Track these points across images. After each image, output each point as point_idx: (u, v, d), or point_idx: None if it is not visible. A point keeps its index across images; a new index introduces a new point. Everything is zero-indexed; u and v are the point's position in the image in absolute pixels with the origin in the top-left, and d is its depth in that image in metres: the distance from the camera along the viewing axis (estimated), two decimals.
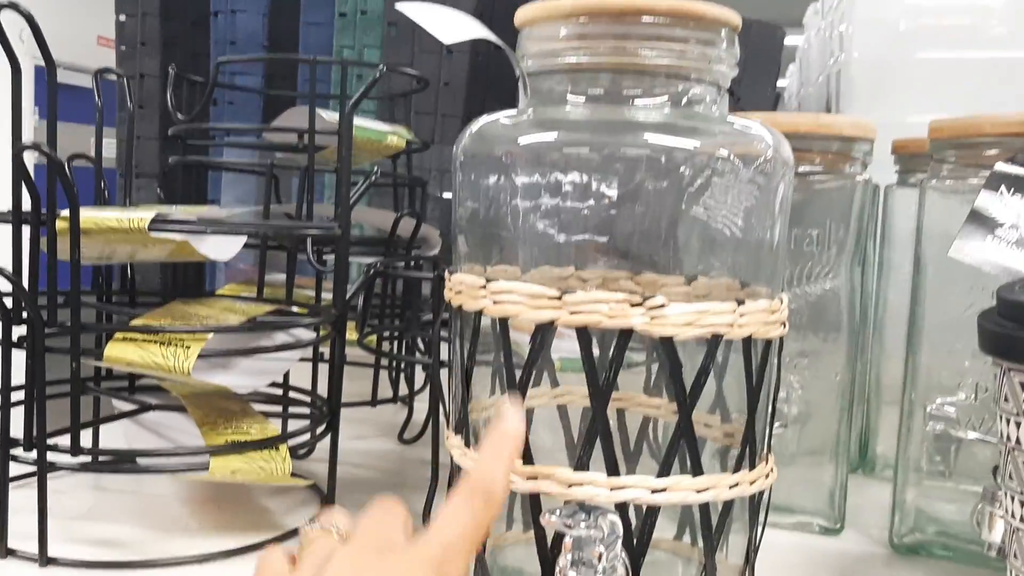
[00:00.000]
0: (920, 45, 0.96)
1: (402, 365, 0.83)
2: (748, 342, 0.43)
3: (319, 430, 0.61)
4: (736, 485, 0.43)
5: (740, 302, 0.42)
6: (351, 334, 0.68)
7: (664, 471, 0.42)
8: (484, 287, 0.43)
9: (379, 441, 0.80)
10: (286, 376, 0.70)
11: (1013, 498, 0.44)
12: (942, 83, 0.95)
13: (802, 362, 0.65)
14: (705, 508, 0.43)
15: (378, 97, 0.99)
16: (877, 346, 0.80)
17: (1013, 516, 0.44)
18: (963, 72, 0.95)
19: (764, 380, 0.44)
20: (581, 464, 0.41)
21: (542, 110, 0.46)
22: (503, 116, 0.46)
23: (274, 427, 0.59)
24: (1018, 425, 0.43)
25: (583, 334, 0.41)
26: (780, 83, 1.42)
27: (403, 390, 0.83)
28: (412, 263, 0.74)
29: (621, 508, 0.41)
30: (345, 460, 0.67)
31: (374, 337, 0.75)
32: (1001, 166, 0.57)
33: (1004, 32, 0.96)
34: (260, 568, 0.36)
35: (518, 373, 0.43)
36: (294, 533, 0.57)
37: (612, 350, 0.41)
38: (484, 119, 0.46)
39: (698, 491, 0.42)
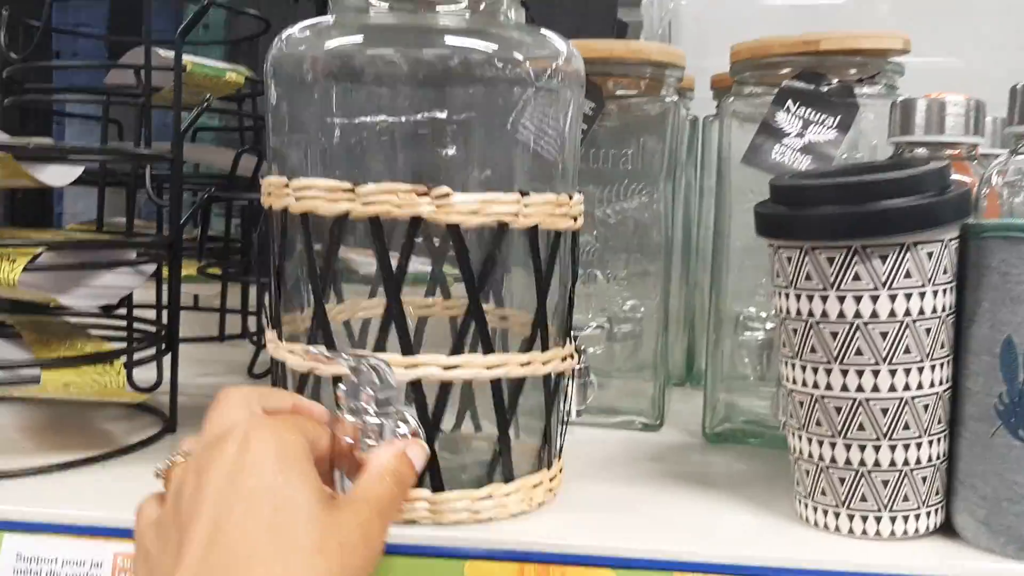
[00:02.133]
0: None
1: (248, 299, 0.85)
2: (534, 232, 0.46)
3: (152, 351, 0.62)
4: (527, 364, 0.47)
5: (524, 193, 0.45)
6: (190, 269, 0.69)
7: (456, 350, 0.45)
8: (287, 185, 0.46)
9: (228, 377, 0.81)
10: (129, 307, 0.70)
11: (785, 363, 0.49)
12: (763, 28, 1.01)
13: (624, 279, 0.70)
14: (498, 386, 0.47)
15: (224, 42, 0.99)
16: (702, 271, 0.85)
17: (786, 379, 0.49)
18: (782, 17, 1.01)
19: (555, 269, 0.48)
20: (379, 347, 0.45)
21: (347, 16, 0.48)
22: (311, 23, 0.49)
23: (110, 345, 0.60)
24: (786, 296, 0.48)
25: (375, 226, 0.44)
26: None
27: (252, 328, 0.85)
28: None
29: (415, 385, 0.45)
30: (192, 393, 0.68)
31: (218, 270, 0.76)
32: (787, 82, 0.62)
33: None
34: (136, 518, 0.38)
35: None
36: (135, 448, 0.58)
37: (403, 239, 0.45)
38: (293, 27, 0.49)
39: (488, 367, 0.46)
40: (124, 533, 0.46)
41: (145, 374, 0.60)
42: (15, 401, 0.67)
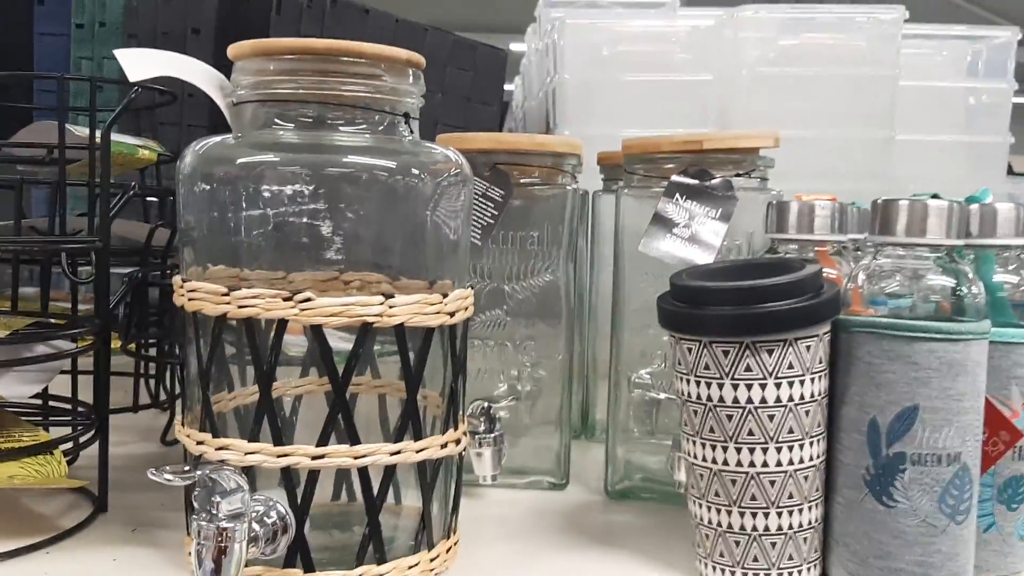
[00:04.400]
0: (620, 68, 1.11)
1: (164, 369, 0.86)
2: (401, 330, 0.51)
3: (88, 436, 0.64)
4: (398, 452, 0.52)
5: (388, 296, 0.51)
6: (114, 343, 0.71)
7: (322, 441, 0.50)
8: (182, 286, 0.51)
9: (142, 445, 0.83)
10: (46, 388, 0.72)
11: (686, 439, 0.56)
12: (639, 101, 1.10)
13: (531, 345, 0.76)
14: (365, 472, 0.52)
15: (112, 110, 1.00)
16: (594, 329, 0.92)
17: (687, 454, 0.56)
18: (655, 92, 1.10)
19: (427, 362, 0.53)
20: (252, 436, 0.50)
21: (256, 134, 0.53)
22: (221, 138, 0.53)
23: (46, 434, 0.62)
24: (687, 382, 0.55)
25: (248, 326, 0.50)
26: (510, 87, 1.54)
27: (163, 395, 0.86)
28: (169, 271, 0.78)
29: (286, 472, 0.50)
30: (111, 464, 0.70)
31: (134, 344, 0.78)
32: (675, 178, 0.70)
33: (687, 58, 1.13)
34: None
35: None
36: (74, 532, 0.60)
37: (271, 339, 0.50)
38: (204, 140, 0.53)
39: (355, 457, 0.51)
40: None
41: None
42: None
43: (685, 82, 1.11)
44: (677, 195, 0.69)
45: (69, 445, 0.61)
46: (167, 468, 0.46)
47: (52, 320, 0.70)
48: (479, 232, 0.71)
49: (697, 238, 0.68)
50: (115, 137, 0.79)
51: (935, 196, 0.54)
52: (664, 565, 0.58)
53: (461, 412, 0.58)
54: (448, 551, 0.57)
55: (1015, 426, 0.56)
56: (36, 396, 0.71)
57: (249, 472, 0.50)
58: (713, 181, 0.69)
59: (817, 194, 0.63)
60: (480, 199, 0.72)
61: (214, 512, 0.46)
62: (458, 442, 0.56)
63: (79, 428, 0.63)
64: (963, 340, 0.52)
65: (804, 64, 1.10)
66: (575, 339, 0.79)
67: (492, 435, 0.71)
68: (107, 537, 0.60)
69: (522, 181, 0.74)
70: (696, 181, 0.69)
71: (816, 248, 0.62)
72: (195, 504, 0.47)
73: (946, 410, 0.52)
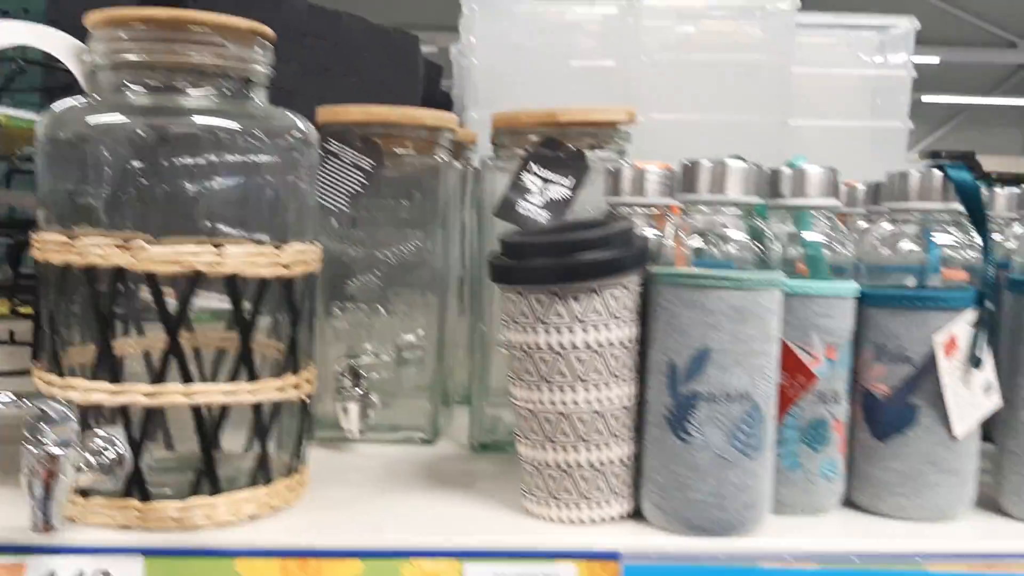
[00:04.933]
0: (527, 55, 1.15)
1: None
2: (232, 280, 0.55)
3: None
4: (232, 392, 0.56)
5: (219, 245, 0.55)
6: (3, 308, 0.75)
7: (157, 380, 0.55)
8: (36, 239, 0.55)
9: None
10: None
11: (511, 382, 0.60)
12: (545, 87, 1.14)
13: (404, 309, 0.80)
14: (199, 412, 0.56)
15: (38, 89, 1.04)
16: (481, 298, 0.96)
17: (512, 396, 0.60)
18: (561, 77, 1.15)
19: (261, 311, 0.57)
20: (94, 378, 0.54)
21: (107, 97, 0.57)
22: (75, 100, 0.57)
23: None
24: (509, 329, 0.59)
25: (89, 274, 0.54)
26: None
27: None
28: None
29: (123, 410, 0.54)
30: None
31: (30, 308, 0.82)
32: (531, 148, 0.74)
33: (593, 45, 1.17)
34: None
35: None
36: None
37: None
38: (60, 103, 0.57)
39: (186, 395, 0.55)
40: None
41: None
42: None
43: (590, 68, 1.15)
44: (532, 164, 0.74)
45: None
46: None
47: None
48: (347, 199, 0.75)
49: (550, 205, 0.73)
50: (15, 113, 0.84)
51: (737, 157, 0.59)
52: (497, 502, 0.63)
53: (303, 361, 0.61)
54: (289, 489, 0.61)
55: (813, 371, 0.60)
56: None
57: (99, 412, 0.54)
58: (566, 151, 0.74)
59: (656, 161, 0.68)
60: (350, 168, 0.76)
61: (43, 440, 0.50)
62: (297, 387, 0.60)
63: None
64: (751, 288, 0.56)
65: (701, 51, 1.15)
66: (447, 307, 0.82)
67: (358, 391, 0.75)
68: None
69: (397, 152, 0.79)
70: (550, 151, 0.74)
71: (653, 210, 0.66)
72: (25, 433, 0.51)
73: (735, 352, 0.56)
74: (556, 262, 0.57)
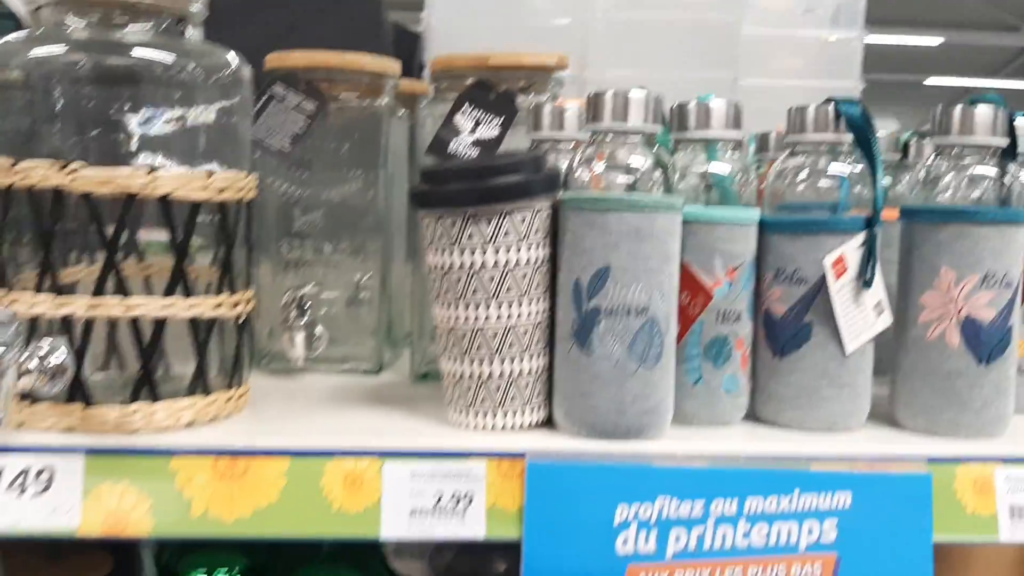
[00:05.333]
0: (483, 11, 1.19)
1: None
2: (166, 201, 0.60)
3: None
4: (169, 306, 0.61)
5: (153, 169, 0.59)
6: None
7: (96, 292, 0.59)
8: None
9: None
10: None
11: (433, 303, 0.64)
12: (501, 43, 1.18)
13: (346, 246, 0.84)
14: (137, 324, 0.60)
15: None
16: None
17: (434, 316, 0.65)
18: (517, 34, 1.18)
19: (195, 234, 0.62)
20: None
21: (48, 31, 0.61)
22: (17, 35, 0.62)
23: None
24: (429, 253, 0.63)
25: (32, 196, 0.59)
26: None
27: None
28: None
29: (67, 320, 0.59)
30: None
31: None
32: (463, 90, 0.78)
33: (548, 5, 1.21)
34: None
35: None
36: None
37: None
38: (5, 37, 0.61)
39: (127, 308, 0.60)
40: None
41: None
42: None
43: (545, 27, 1.19)
44: (465, 105, 0.78)
45: None
46: None
47: None
48: (291, 141, 0.80)
49: (480, 143, 0.77)
50: None
51: (640, 87, 0.63)
52: (424, 415, 0.67)
53: (240, 284, 0.66)
54: (228, 400, 0.65)
55: (711, 292, 0.65)
56: None
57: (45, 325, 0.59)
58: (496, 93, 0.78)
59: (574, 99, 0.72)
60: (294, 110, 0.80)
61: None
62: (234, 306, 0.65)
63: None
64: (649, 211, 0.60)
65: (653, 9, 1.19)
66: (391, 249, 0.86)
67: (302, 322, 0.79)
68: None
69: (340, 97, 0.83)
70: (481, 93, 0.78)
71: (573, 143, 0.70)
72: None
73: (634, 270, 0.60)
74: (469, 186, 0.61)
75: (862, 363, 0.66)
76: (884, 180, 0.70)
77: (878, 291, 0.66)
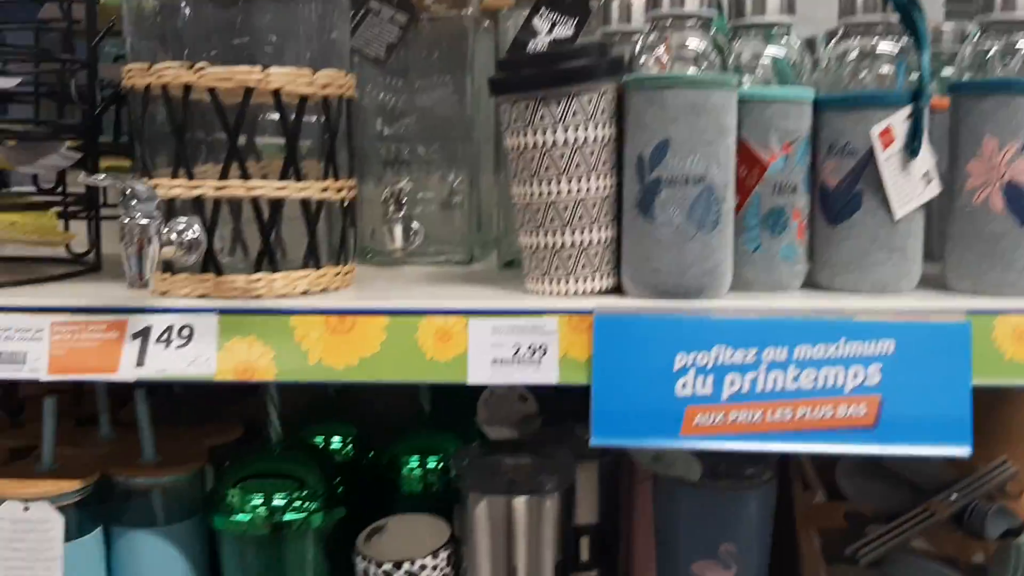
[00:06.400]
0: None
1: None
2: (278, 94, 0.68)
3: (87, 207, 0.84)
4: (283, 189, 0.70)
5: (266, 67, 0.67)
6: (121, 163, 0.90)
7: (223, 176, 0.68)
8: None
9: None
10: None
11: (511, 183, 0.72)
12: None
13: (437, 147, 0.92)
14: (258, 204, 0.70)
15: None
16: None
17: (512, 195, 0.72)
18: None
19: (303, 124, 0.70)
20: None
21: None
22: None
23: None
24: (505, 136, 0.71)
25: (165, 97, 0.68)
26: None
27: None
28: None
29: (198, 200, 0.68)
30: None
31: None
32: None
33: None
34: None
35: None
36: (64, 277, 0.80)
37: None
38: None
39: (248, 190, 0.69)
40: (57, 310, 0.68)
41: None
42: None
43: None
44: (541, 8, 0.84)
45: (60, 209, 0.81)
46: (95, 176, 0.65)
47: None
48: (384, 50, 0.88)
49: (553, 44, 0.83)
50: None
51: None
52: (508, 289, 0.75)
53: (343, 173, 0.75)
54: (336, 275, 0.75)
55: (767, 165, 0.70)
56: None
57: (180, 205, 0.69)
58: None
59: None
60: (388, 23, 0.88)
61: (133, 214, 0.64)
62: (339, 191, 0.74)
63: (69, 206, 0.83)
64: (703, 87, 0.66)
65: None
66: (479, 152, 0.93)
67: (400, 215, 0.88)
68: (101, 277, 0.80)
69: (429, 8, 0.90)
70: None
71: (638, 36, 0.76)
72: (121, 209, 0.65)
73: (691, 142, 0.66)
74: (539, 71, 0.68)
75: (912, 229, 0.71)
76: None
77: (926, 161, 0.70)
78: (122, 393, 0.92)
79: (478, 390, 0.91)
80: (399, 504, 0.82)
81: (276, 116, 0.70)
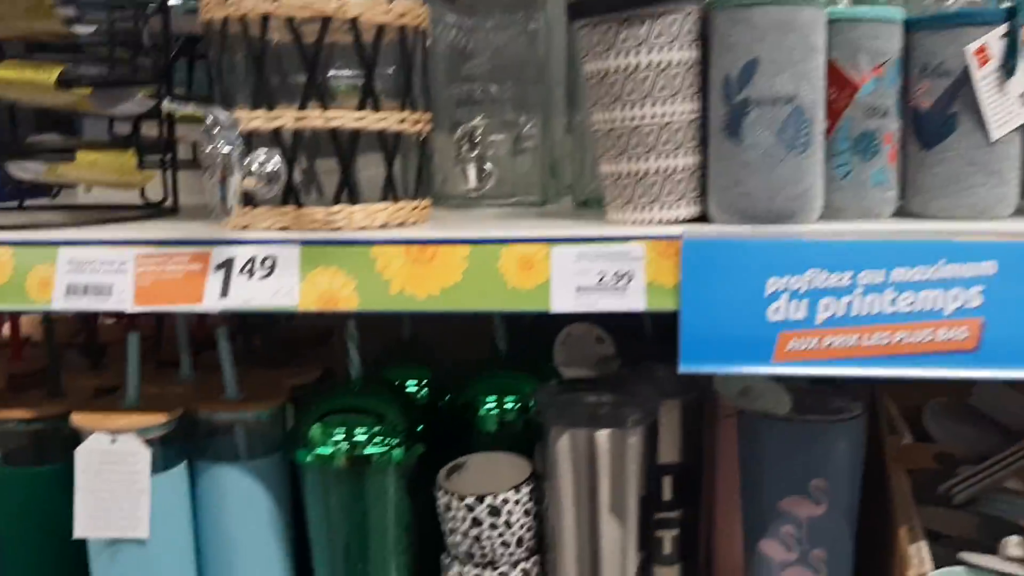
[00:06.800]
0: None
1: None
2: (354, 23, 0.68)
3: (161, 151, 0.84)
4: (361, 119, 0.70)
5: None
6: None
7: (302, 106, 0.68)
8: None
9: None
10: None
11: (590, 111, 0.70)
12: None
13: (509, 84, 0.91)
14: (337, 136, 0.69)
15: None
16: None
17: (592, 124, 0.71)
18: None
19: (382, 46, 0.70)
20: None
21: None
22: None
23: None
24: (586, 62, 0.69)
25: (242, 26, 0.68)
26: None
27: None
28: None
29: (277, 132, 0.68)
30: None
31: None
32: None
33: None
34: None
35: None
36: (143, 209, 0.81)
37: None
38: None
39: (327, 120, 0.69)
40: (141, 242, 0.69)
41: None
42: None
43: None
44: None
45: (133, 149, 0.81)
46: (179, 102, 0.65)
47: None
48: None
49: None
50: None
51: None
52: (587, 223, 0.74)
53: (419, 105, 0.74)
54: (413, 209, 0.74)
55: (858, 87, 0.68)
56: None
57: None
58: None
59: None
60: None
61: (216, 142, 0.64)
62: (416, 123, 0.73)
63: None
64: (791, 5, 0.64)
65: None
66: (552, 92, 0.92)
67: (474, 154, 0.87)
68: (179, 218, 0.81)
69: None
70: None
71: None
72: (204, 140, 0.65)
73: (779, 61, 0.64)
74: None
75: (1009, 152, 0.69)
76: None
77: (1022, 81, 0.67)
78: (199, 341, 0.93)
79: (554, 332, 0.90)
80: (476, 445, 0.82)
81: (352, 48, 0.69)
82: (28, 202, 0.96)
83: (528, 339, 0.91)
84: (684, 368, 0.64)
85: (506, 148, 0.92)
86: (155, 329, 0.98)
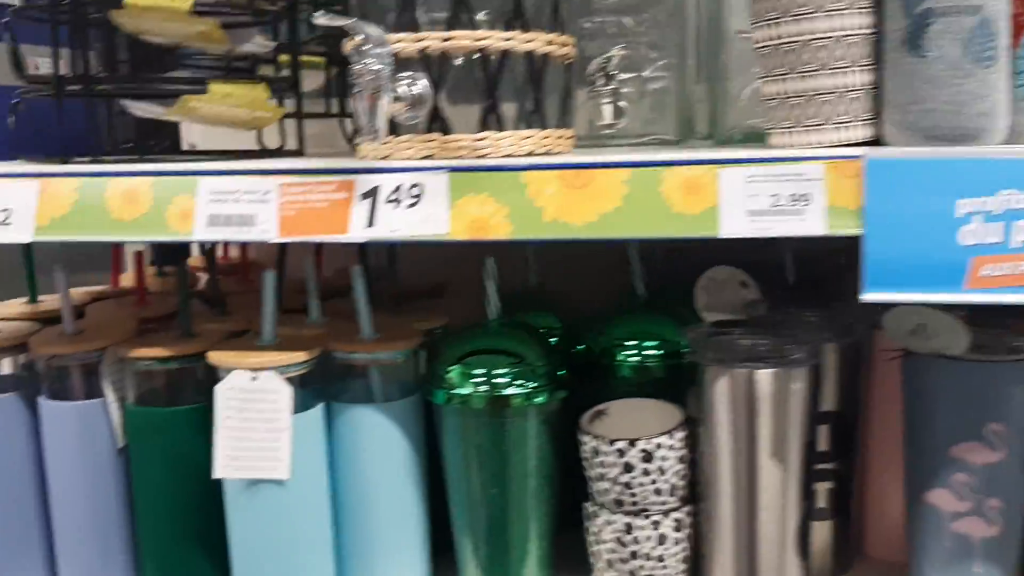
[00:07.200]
0: None
1: None
2: None
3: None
4: (509, 40, 0.66)
5: None
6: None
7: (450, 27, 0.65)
8: None
9: None
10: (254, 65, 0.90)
11: (753, 32, 0.66)
12: None
13: (648, 19, 0.86)
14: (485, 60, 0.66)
15: None
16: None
17: (755, 41, 0.66)
18: None
19: None
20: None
21: None
22: None
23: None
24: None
25: None
26: None
27: None
28: None
29: (424, 54, 0.65)
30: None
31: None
32: None
33: None
34: None
35: None
36: (272, 152, 0.78)
37: None
38: None
39: (475, 40, 0.65)
40: (285, 171, 0.66)
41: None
42: None
43: None
44: None
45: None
46: (331, 16, 0.62)
47: None
48: None
49: None
50: None
51: None
52: (747, 149, 0.69)
53: (564, 29, 0.70)
54: (559, 138, 0.70)
55: None
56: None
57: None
58: None
59: None
60: None
61: (366, 59, 0.61)
62: (563, 46, 0.69)
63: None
64: None
65: None
66: (686, 32, 0.88)
67: (609, 88, 0.83)
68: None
69: None
70: None
71: None
72: (351, 56, 0.62)
73: None
74: None
75: None
76: None
77: None
78: (325, 289, 0.91)
79: (687, 276, 0.86)
80: (615, 391, 0.78)
81: None
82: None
83: (659, 284, 0.87)
84: (868, 295, 0.59)
85: (642, 85, 0.88)
86: (277, 278, 0.96)
